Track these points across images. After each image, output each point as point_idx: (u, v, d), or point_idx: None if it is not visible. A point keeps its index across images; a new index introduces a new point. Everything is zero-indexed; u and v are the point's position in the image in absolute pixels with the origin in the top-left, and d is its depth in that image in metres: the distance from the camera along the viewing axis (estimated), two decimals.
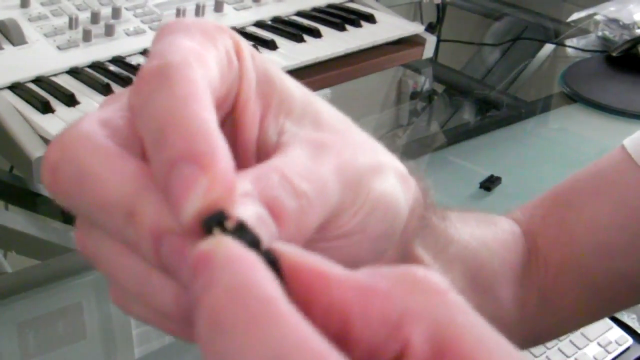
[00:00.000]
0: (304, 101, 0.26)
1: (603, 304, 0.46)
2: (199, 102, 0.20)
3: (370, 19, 1.01)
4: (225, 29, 0.24)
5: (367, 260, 0.28)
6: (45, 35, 0.83)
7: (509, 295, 0.41)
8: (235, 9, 0.97)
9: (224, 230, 0.19)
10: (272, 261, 0.19)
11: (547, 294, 0.43)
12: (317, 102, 0.27)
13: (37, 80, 0.77)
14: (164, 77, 0.21)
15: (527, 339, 0.45)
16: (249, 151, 0.25)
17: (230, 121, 0.25)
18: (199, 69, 0.21)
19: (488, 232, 0.41)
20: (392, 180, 0.28)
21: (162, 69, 0.21)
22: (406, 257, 0.33)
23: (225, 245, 0.18)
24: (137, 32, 0.88)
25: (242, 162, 0.25)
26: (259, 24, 0.96)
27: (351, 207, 0.26)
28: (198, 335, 0.17)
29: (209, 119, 0.20)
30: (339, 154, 0.25)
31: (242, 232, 0.19)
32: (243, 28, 0.95)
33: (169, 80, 0.21)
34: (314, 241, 0.25)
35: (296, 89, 0.26)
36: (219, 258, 0.18)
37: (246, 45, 0.25)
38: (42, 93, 0.74)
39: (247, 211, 0.20)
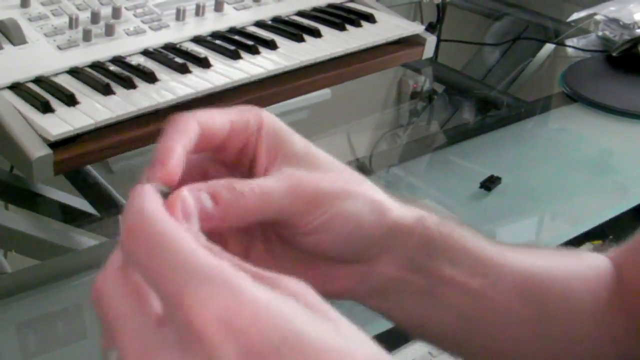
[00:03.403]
0: (305, 151, 0.36)
1: None
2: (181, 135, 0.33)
3: (370, 18, 1.00)
4: (254, 109, 0.36)
5: (354, 249, 0.37)
6: (46, 35, 0.83)
7: (590, 331, 0.43)
8: (236, 8, 0.97)
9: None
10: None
11: (634, 320, 0.44)
12: (316, 151, 0.37)
13: (37, 80, 0.77)
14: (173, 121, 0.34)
15: None
16: None
17: (246, 165, 0.36)
18: (200, 118, 0.34)
19: (561, 265, 0.44)
20: (358, 204, 0.36)
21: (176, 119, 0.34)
22: (426, 273, 0.39)
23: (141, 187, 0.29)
24: (137, 32, 0.88)
25: None
26: (259, 24, 0.96)
27: (306, 214, 0.35)
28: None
29: (180, 145, 0.32)
30: (301, 179, 0.35)
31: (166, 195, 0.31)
32: (243, 28, 0.95)
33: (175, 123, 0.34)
34: (297, 235, 0.36)
35: (299, 142, 0.37)
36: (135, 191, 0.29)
37: (268, 116, 0.36)
38: (42, 93, 0.74)
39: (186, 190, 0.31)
